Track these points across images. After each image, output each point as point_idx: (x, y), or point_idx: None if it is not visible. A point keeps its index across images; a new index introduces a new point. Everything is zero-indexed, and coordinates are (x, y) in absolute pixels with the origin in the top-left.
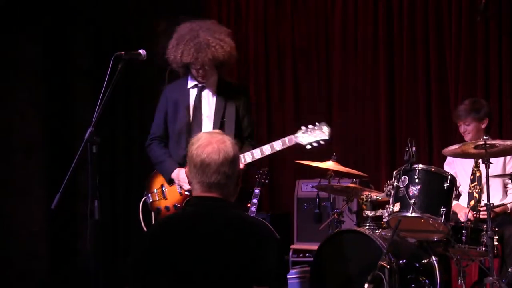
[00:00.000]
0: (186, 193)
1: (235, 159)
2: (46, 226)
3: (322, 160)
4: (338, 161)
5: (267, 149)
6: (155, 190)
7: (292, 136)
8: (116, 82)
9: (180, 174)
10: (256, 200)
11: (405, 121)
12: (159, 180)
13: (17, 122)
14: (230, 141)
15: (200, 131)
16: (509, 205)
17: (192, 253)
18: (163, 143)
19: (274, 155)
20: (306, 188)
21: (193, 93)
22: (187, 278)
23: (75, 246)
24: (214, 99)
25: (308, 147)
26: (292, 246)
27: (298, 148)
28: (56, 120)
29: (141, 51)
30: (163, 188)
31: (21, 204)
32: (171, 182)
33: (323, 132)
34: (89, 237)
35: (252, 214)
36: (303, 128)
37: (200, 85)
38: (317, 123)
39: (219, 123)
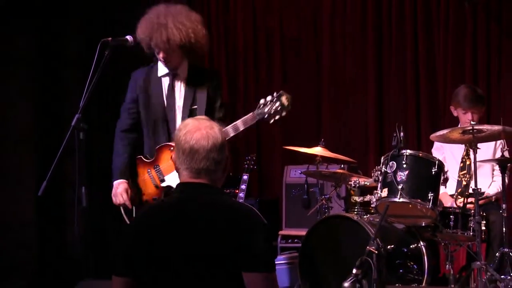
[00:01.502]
0: (162, 185)
1: (223, 145)
2: (35, 215)
3: (310, 146)
4: (326, 146)
5: (230, 131)
6: (132, 184)
7: (252, 113)
8: (104, 69)
9: (118, 188)
10: (244, 186)
11: (393, 107)
12: (139, 171)
13: (8, 112)
14: (218, 127)
15: (175, 121)
16: (492, 194)
17: (179, 239)
18: (130, 136)
19: (262, 141)
20: (294, 174)
21: (165, 82)
22: (174, 264)
23: (64, 233)
24: (185, 87)
25: (271, 121)
26: (281, 232)
27: (286, 134)
28: (47, 110)
29: (128, 37)
30: (138, 181)
31: (11, 194)
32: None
33: (283, 103)
34: (77, 224)
35: (241, 200)
36: (262, 101)
37: (171, 73)
38: (274, 94)
39: (189, 111)
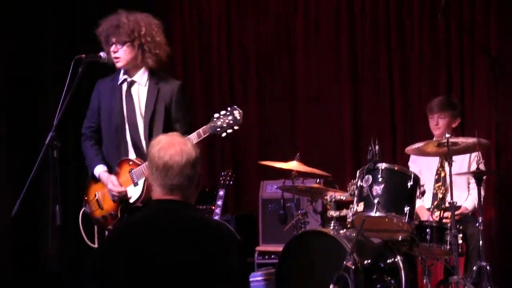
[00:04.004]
0: (116, 199)
1: (197, 161)
2: (10, 233)
3: (286, 160)
4: (302, 161)
5: None
6: (91, 199)
7: (205, 126)
8: (78, 86)
9: (108, 181)
10: (220, 202)
11: (368, 120)
12: (94, 188)
13: None
14: (191, 143)
15: (136, 127)
16: (469, 209)
17: (152, 255)
18: (95, 140)
19: (238, 156)
20: (270, 189)
21: (124, 88)
22: (150, 279)
23: (38, 251)
24: (144, 94)
25: (223, 134)
26: (258, 248)
27: (261, 149)
28: (21, 127)
29: (101, 53)
30: (97, 197)
31: None
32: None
33: (235, 117)
34: (51, 242)
35: (217, 216)
36: (215, 115)
37: (129, 79)
38: (228, 108)
39: (150, 119)
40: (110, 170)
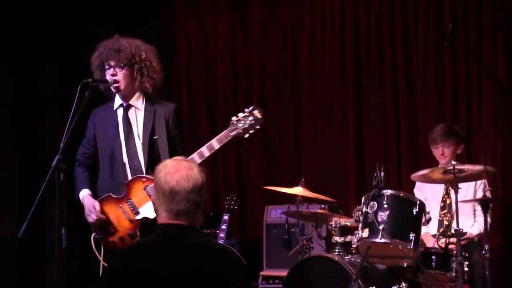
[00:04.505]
0: (137, 218)
1: (203, 186)
2: (16, 255)
3: (290, 185)
4: (307, 186)
5: (205, 151)
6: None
7: (226, 131)
8: (84, 109)
9: (90, 205)
10: (225, 226)
11: (373, 146)
12: (103, 212)
13: None
14: (197, 167)
15: (135, 149)
16: (474, 234)
17: (158, 278)
18: (87, 166)
19: (243, 181)
20: (275, 214)
21: (120, 113)
22: None
23: (44, 274)
24: (142, 117)
25: (246, 136)
26: (262, 273)
27: (266, 173)
28: (27, 150)
29: (108, 78)
30: (111, 219)
31: None
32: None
33: (256, 116)
34: (57, 265)
35: (221, 241)
36: (234, 118)
37: (125, 104)
38: (246, 109)
39: (148, 141)
40: (96, 197)
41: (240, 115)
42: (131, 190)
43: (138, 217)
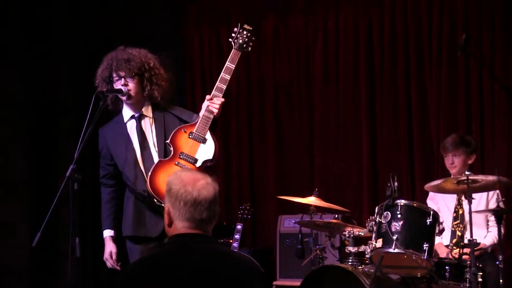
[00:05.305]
0: (197, 165)
1: (217, 196)
2: (29, 265)
3: (304, 195)
4: (320, 196)
5: (225, 75)
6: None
7: (232, 50)
8: (98, 119)
9: (108, 250)
10: (238, 236)
11: (387, 156)
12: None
13: (0, 160)
14: (210, 177)
15: (151, 158)
16: (488, 245)
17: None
18: (110, 186)
19: (256, 191)
20: (288, 223)
21: (131, 125)
22: None
23: (57, 283)
24: (153, 125)
25: (249, 48)
26: (275, 283)
27: (280, 183)
28: (40, 157)
29: (122, 87)
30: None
31: (3, 242)
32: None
33: (247, 28)
34: (70, 274)
35: (235, 250)
36: (230, 39)
37: (136, 115)
38: (235, 29)
39: (163, 147)
40: (119, 232)
41: (233, 35)
42: (177, 144)
43: (198, 164)
